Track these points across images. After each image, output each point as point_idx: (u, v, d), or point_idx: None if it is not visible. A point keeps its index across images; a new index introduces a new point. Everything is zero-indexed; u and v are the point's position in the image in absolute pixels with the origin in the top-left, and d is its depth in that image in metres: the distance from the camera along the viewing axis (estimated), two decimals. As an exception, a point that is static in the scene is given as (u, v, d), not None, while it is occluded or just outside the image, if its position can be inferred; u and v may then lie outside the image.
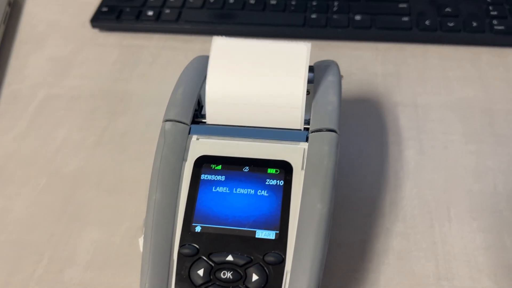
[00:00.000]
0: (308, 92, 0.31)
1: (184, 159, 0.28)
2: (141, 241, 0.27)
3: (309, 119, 0.29)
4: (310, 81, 0.31)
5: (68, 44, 0.50)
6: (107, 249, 0.33)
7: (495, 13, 0.47)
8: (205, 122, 0.30)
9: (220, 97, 0.29)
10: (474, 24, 0.46)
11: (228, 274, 0.24)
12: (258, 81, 0.28)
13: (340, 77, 0.32)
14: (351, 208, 0.34)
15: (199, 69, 0.32)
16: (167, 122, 0.29)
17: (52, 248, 0.34)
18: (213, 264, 0.25)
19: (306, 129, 0.28)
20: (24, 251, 0.33)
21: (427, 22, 0.46)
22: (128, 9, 0.51)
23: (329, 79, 0.31)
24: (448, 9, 0.47)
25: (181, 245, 0.25)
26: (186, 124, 0.29)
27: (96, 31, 0.51)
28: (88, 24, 0.51)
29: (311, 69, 0.32)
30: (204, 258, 0.25)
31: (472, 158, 0.37)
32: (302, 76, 0.28)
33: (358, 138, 0.39)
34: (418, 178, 0.36)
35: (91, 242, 0.34)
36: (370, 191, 0.35)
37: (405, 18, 0.47)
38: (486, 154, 0.37)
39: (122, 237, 0.34)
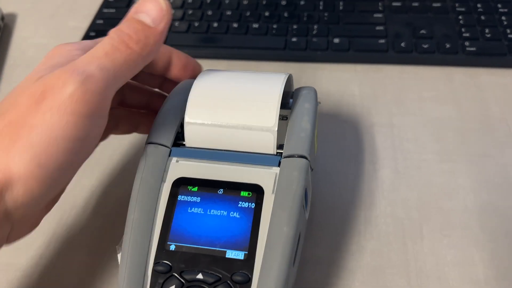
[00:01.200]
0: (286, 118, 0.33)
1: (163, 180, 0.29)
2: (119, 256, 0.28)
3: (284, 144, 0.30)
4: (288, 107, 0.33)
5: (57, 68, 0.51)
6: (95, 271, 0.35)
7: (467, 34, 0.49)
8: (185, 144, 0.31)
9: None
10: (448, 45, 0.48)
11: None
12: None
13: (316, 104, 0.33)
14: (327, 226, 0.36)
15: (184, 93, 0.34)
16: (149, 145, 0.31)
17: (41, 271, 0.35)
18: (184, 282, 0.26)
19: (280, 153, 0.30)
20: (13, 274, 0.35)
21: (402, 44, 0.48)
22: (115, 34, 0.52)
23: (304, 106, 0.32)
24: (423, 31, 0.49)
25: (156, 262, 0.27)
26: (167, 147, 0.31)
27: (84, 55, 0.53)
28: (76, 48, 0.53)
29: (291, 95, 0.34)
30: (176, 275, 0.26)
31: (445, 177, 0.39)
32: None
33: (335, 157, 0.41)
34: (393, 196, 0.38)
35: (79, 264, 0.35)
36: (345, 209, 0.37)
37: (382, 40, 0.49)
38: (458, 173, 0.39)
39: (109, 259, 0.35)
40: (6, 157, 0.24)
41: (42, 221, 0.37)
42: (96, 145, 0.30)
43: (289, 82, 0.34)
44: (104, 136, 0.35)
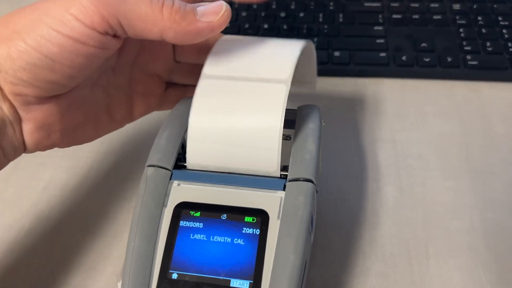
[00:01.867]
0: (289, 138, 0.32)
1: (164, 205, 0.28)
2: (119, 285, 0.27)
3: (288, 165, 0.30)
4: (291, 127, 0.32)
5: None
6: (92, 295, 0.34)
7: (468, 48, 0.48)
8: (186, 166, 0.30)
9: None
10: (449, 59, 0.47)
11: None
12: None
13: (321, 123, 0.32)
14: (331, 247, 0.35)
15: (184, 112, 0.33)
16: (150, 168, 0.30)
17: (37, 295, 0.34)
18: None
19: (285, 176, 0.29)
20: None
21: (403, 58, 0.48)
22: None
23: (309, 127, 0.31)
24: (424, 44, 0.49)
25: None
26: (168, 170, 0.30)
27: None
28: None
29: (294, 113, 0.33)
30: None
31: (450, 195, 0.38)
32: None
33: (338, 175, 0.40)
34: (397, 215, 0.37)
35: (75, 287, 0.34)
36: (350, 229, 0.36)
37: (383, 54, 0.48)
38: (463, 190, 0.38)
39: (106, 282, 0.34)
40: None
41: (38, 241, 0.36)
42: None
43: (310, 51, 0.33)
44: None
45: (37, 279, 0.34)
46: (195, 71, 0.32)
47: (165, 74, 0.37)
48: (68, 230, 0.37)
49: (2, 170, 0.41)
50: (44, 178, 0.41)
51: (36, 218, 0.38)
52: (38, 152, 0.43)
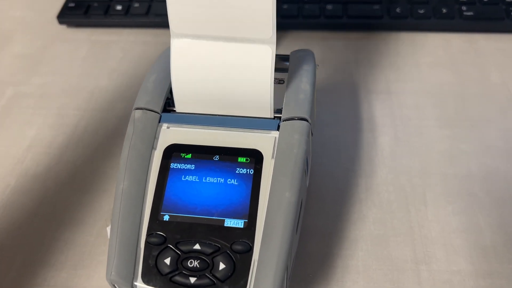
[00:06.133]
0: (282, 81, 0.31)
1: (153, 147, 0.27)
2: (109, 229, 0.26)
3: (282, 108, 0.28)
4: (285, 70, 0.31)
5: (35, 41, 0.49)
6: (82, 249, 0.32)
7: (464, -1, 0.47)
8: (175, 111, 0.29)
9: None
10: (444, 10, 0.46)
11: (195, 263, 0.24)
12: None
13: (315, 66, 0.31)
14: (327, 196, 0.34)
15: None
16: (137, 110, 0.29)
17: (25, 251, 0.33)
18: (180, 253, 0.24)
19: (279, 117, 0.28)
20: (-5, 254, 0.33)
21: (397, 10, 0.47)
22: (96, 4, 0.50)
23: (303, 68, 0.30)
24: (418, -4, 0.47)
25: (149, 234, 0.25)
26: (157, 113, 0.29)
27: (63, 27, 0.50)
28: (55, 21, 0.50)
29: (286, 58, 0.32)
30: (171, 246, 0.25)
31: (447, 143, 0.37)
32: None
33: (333, 126, 0.39)
34: (394, 164, 0.36)
35: (65, 242, 0.33)
36: (345, 178, 0.35)
37: (376, 6, 0.47)
38: (460, 138, 0.38)
39: (97, 236, 0.33)
40: None
41: (25, 199, 0.35)
42: None
43: None
44: None
45: (25, 236, 0.33)
46: None
47: None
48: (56, 187, 0.36)
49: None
50: (29, 135, 0.40)
51: (22, 176, 0.37)
52: (22, 111, 0.42)
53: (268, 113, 0.28)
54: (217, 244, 0.25)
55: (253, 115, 0.29)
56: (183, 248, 0.25)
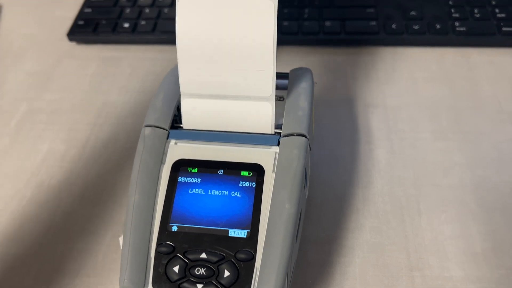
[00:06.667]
0: (282, 99, 0.33)
1: (162, 162, 0.29)
2: (121, 240, 0.28)
3: (282, 124, 0.30)
4: (284, 88, 0.33)
5: (46, 58, 0.51)
6: (94, 258, 0.34)
7: (457, 15, 0.49)
8: (182, 127, 0.31)
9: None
10: (438, 26, 0.48)
11: (202, 271, 0.26)
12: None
13: (312, 83, 0.33)
14: (326, 206, 0.36)
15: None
16: (147, 128, 0.31)
17: (40, 259, 0.35)
18: (188, 261, 0.26)
19: (279, 133, 0.30)
20: (13, 263, 0.34)
21: (393, 26, 0.49)
22: (104, 22, 0.52)
23: (301, 86, 0.32)
24: (413, 13, 0.50)
25: (158, 244, 0.27)
26: (165, 129, 0.31)
27: (73, 44, 0.52)
28: (65, 38, 0.52)
29: (286, 76, 0.34)
30: (180, 255, 0.27)
31: (440, 155, 0.39)
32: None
33: (332, 139, 0.41)
34: (389, 175, 0.38)
35: (78, 251, 0.35)
36: (343, 189, 0.37)
37: (373, 23, 0.49)
38: (453, 150, 0.40)
39: (108, 245, 0.35)
40: None
41: (40, 210, 0.37)
42: None
43: None
44: None
45: (41, 245, 0.35)
46: None
47: None
48: (69, 199, 0.38)
49: (1, 143, 0.42)
50: (43, 150, 0.42)
51: (37, 188, 0.39)
52: (35, 126, 0.44)
53: (269, 129, 0.30)
54: (222, 253, 0.26)
55: (255, 131, 0.31)
56: (191, 256, 0.26)
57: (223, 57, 0.29)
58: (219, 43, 0.29)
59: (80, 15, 0.53)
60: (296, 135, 0.29)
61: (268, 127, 0.30)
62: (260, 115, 0.30)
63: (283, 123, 0.30)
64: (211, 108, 0.30)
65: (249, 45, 0.28)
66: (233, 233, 0.27)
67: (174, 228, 0.27)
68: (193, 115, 0.31)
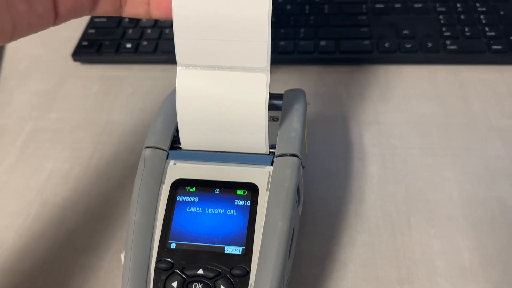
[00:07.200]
0: (277, 119, 0.35)
1: (162, 182, 0.31)
2: (122, 256, 0.30)
3: (276, 144, 0.32)
4: (279, 109, 0.35)
5: (51, 78, 0.53)
6: (96, 273, 0.36)
7: (448, 33, 0.50)
8: (181, 148, 0.33)
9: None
10: (429, 44, 0.50)
11: (199, 286, 0.27)
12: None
13: (305, 104, 0.35)
14: (319, 221, 0.38)
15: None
16: (147, 149, 0.32)
17: (45, 275, 0.36)
18: (185, 277, 0.28)
19: (273, 153, 0.32)
20: (18, 280, 0.36)
21: (386, 45, 0.50)
22: (107, 42, 0.54)
23: (294, 107, 0.34)
24: (405, 32, 0.51)
25: (158, 260, 0.28)
26: (165, 150, 0.32)
27: (77, 64, 0.54)
28: (69, 58, 0.54)
29: (280, 96, 0.36)
30: (178, 271, 0.28)
31: (430, 171, 0.41)
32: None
33: (325, 155, 0.42)
34: (381, 191, 0.39)
35: (81, 267, 0.36)
36: (337, 204, 0.39)
37: (367, 42, 0.51)
38: (442, 166, 0.41)
39: (110, 261, 0.36)
40: None
41: (45, 227, 0.39)
42: None
43: None
44: (80, 14, 0.30)
45: (45, 261, 0.37)
46: None
47: None
48: (73, 216, 0.40)
49: (7, 162, 0.43)
50: (47, 168, 0.43)
51: (42, 205, 0.41)
52: (40, 145, 0.45)
53: (263, 148, 0.32)
54: (218, 269, 0.28)
55: (250, 151, 0.32)
56: (188, 272, 0.28)
57: (218, 28, 0.30)
58: (214, 14, 0.29)
59: (84, 35, 0.55)
60: (289, 155, 0.31)
61: (262, 147, 0.32)
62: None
63: (276, 143, 0.32)
64: (207, 91, 0.31)
65: (245, 16, 0.29)
66: (229, 249, 0.28)
67: (173, 245, 0.29)
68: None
